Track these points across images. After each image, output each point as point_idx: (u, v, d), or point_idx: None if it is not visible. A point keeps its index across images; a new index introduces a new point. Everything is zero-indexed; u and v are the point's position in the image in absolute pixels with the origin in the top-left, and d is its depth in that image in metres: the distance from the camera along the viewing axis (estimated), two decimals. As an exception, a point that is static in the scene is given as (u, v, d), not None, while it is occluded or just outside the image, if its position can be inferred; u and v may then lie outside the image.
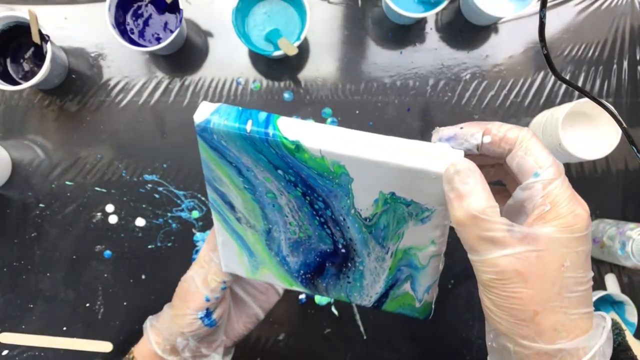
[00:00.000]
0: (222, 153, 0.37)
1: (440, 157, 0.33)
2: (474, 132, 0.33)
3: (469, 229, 0.30)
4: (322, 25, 0.69)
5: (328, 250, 0.41)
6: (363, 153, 0.34)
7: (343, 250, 0.41)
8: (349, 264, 0.41)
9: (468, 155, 0.33)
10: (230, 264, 0.45)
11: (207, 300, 0.47)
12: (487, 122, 0.33)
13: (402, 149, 0.34)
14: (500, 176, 0.37)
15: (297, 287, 0.44)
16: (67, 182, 0.68)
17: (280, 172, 0.37)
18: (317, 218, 0.39)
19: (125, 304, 0.68)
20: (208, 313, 0.47)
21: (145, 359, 0.51)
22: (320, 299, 0.68)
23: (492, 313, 0.31)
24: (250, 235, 0.42)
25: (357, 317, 0.68)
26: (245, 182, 0.38)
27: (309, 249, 0.41)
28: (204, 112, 0.36)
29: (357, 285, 0.43)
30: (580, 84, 0.69)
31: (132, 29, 0.67)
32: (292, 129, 0.35)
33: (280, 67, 0.69)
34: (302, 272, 0.43)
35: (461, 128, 0.33)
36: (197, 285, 0.47)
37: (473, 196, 0.30)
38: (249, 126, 0.35)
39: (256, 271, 0.44)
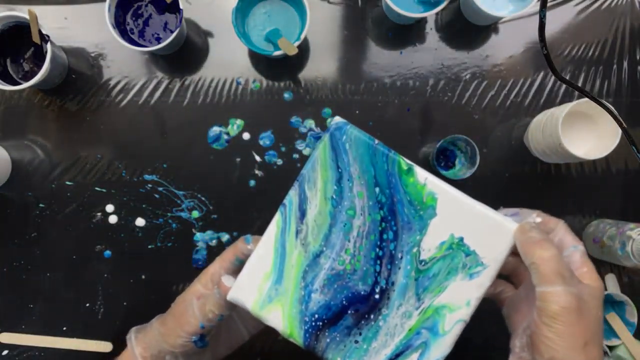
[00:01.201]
0: (337, 155, 0.42)
1: (511, 220, 0.41)
2: (531, 213, 0.42)
3: (548, 263, 0.38)
4: (322, 25, 0.69)
5: (362, 292, 0.42)
6: (459, 193, 0.41)
7: (376, 297, 0.42)
8: (372, 316, 0.42)
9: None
10: (244, 287, 0.43)
11: (203, 327, 0.46)
12: (534, 210, 0.43)
13: (486, 207, 0.42)
14: (509, 271, 0.48)
15: (294, 339, 0.42)
16: (67, 182, 0.68)
17: (377, 189, 0.42)
18: (377, 250, 0.42)
19: (125, 304, 0.68)
20: (202, 337, 0.47)
21: None
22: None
23: (552, 342, 0.37)
24: (295, 256, 0.42)
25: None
26: (337, 192, 0.42)
27: (344, 286, 0.42)
28: (340, 119, 0.43)
29: (363, 348, 0.42)
30: (580, 84, 0.69)
31: (132, 29, 0.67)
32: (408, 160, 0.42)
33: (280, 67, 0.69)
34: (316, 316, 0.42)
35: (520, 209, 0.44)
36: (195, 311, 0.46)
37: (549, 242, 0.39)
38: (376, 141, 0.42)
39: (267, 304, 0.42)
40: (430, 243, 0.41)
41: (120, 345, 0.67)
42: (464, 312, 0.41)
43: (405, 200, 0.41)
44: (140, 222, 0.68)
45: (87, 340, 0.67)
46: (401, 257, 0.41)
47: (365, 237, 0.42)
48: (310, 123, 0.68)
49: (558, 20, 0.70)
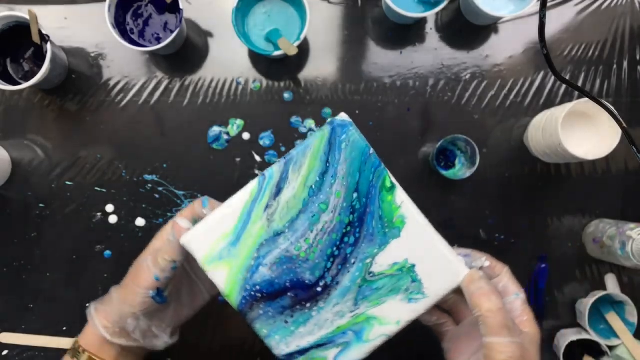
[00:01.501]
0: (331, 151, 0.43)
1: (463, 263, 0.44)
2: (481, 257, 0.46)
3: (496, 316, 0.41)
4: (322, 25, 0.69)
5: (307, 281, 0.44)
6: (427, 224, 0.44)
7: (318, 289, 0.44)
8: (308, 305, 0.44)
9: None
10: (200, 238, 0.44)
11: (157, 279, 0.46)
12: (487, 254, 0.47)
13: (445, 243, 0.44)
14: (450, 307, 0.51)
15: (231, 300, 0.44)
16: (67, 182, 0.68)
17: (355, 195, 0.43)
18: (334, 249, 0.44)
19: (125, 304, 0.68)
20: (159, 292, 0.47)
21: (92, 347, 0.50)
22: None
23: None
24: (257, 227, 0.44)
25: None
26: (317, 184, 0.43)
27: (293, 270, 0.43)
28: (347, 117, 0.45)
29: (290, 330, 0.44)
30: (580, 84, 0.69)
31: (132, 29, 0.67)
32: (393, 179, 0.44)
33: (280, 67, 0.69)
34: (257, 288, 0.44)
35: (472, 251, 0.47)
36: (149, 264, 0.47)
37: (496, 294, 0.42)
38: (371, 150, 0.44)
39: (216, 261, 0.44)
40: (384, 260, 0.43)
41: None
42: (391, 329, 0.44)
43: (377, 214, 0.43)
44: (140, 222, 0.68)
45: (87, 340, 0.67)
46: (353, 263, 0.43)
47: (328, 233, 0.43)
48: (310, 123, 0.68)
49: (558, 20, 0.70)
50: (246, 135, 0.68)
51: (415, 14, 0.63)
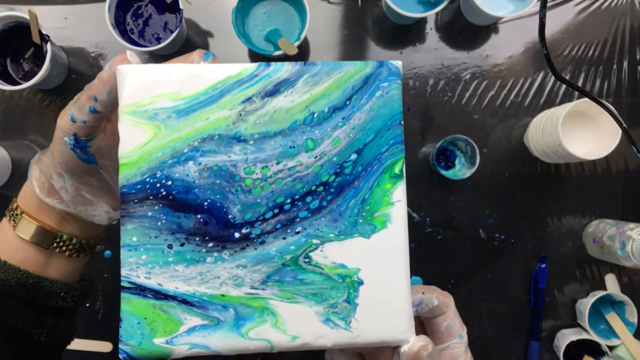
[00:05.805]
0: (362, 89, 0.32)
1: (413, 328, 0.32)
2: (432, 297, 0.36)
3: None
4: (322, 25, 0.69)
5: (229, 216, 0.31)
6: (406, 246, 0.32)
7: (235, 235, 0.31)
8: (210, 245, 0.31)
9: None
10: (142, 79, 0.31)
11: (72, 120, 0.36)
12: (432, 286, 0.37)
13: (409, 284, 0.33)
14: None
15: (125, 171, 0.30)
16: (67, 182, 0.68)
17: (354, 156, 0.32)
18: (287, 202, 0.31)
19: (125, 304, 0.68)
20: (78, 142, 0.38)
21: (26, 204, 0.42)
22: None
23: None
24: (220, 114, 0.31)
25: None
26: (322, 115, 0.31)
27: (224, 192, 0.31)
28: (400, 66, 0.33)
29: (166, 259, 0.31)
30: (580, 84, 0.69)
31: (132, 29, 0.67)
32: (404, 170, 0.33)
33: (280, 67, 0.69)
34: (168, 182, 0.30)
35: (423, 293, 0.36)
36: (70, 104, 0.37)
37: None
38: (402, 120, 0.33)
39: (143, 118, 0.30)
40: (333, 253, 0.31)
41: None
42: (281, 341, 0.31)
43: (363, 194, 0.31)
44: (140, 222, 0.68)
45: (87, 340, 0.67)
46: (297, 232, 0.31)
47: (293, 178, 0.31)
48: (310, 123, 0.68)
49: (558, 20, 0.70)
50: (246, 135, 0.68)
51: (415, 14, 0.63)
